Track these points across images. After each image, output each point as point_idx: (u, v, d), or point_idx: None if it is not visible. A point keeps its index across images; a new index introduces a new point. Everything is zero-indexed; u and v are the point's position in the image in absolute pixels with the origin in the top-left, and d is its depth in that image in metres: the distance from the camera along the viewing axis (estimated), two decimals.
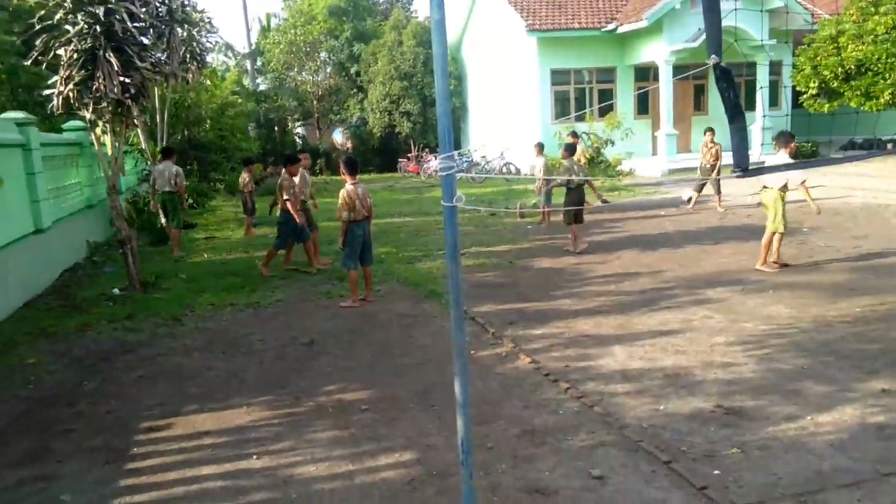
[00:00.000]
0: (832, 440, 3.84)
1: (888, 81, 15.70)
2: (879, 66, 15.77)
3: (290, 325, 6.87)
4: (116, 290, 8.41)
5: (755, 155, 21.18)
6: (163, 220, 12.59)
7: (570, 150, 10.39)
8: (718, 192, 13.01)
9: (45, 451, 4.29)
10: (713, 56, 2.82)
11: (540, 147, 13.56)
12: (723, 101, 2.94)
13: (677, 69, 21.06)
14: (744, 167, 2.94)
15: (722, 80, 2.88)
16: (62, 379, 5.61)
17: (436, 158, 24.57)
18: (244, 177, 13.35)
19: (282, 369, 5.62)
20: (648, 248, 9.82)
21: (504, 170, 21.49)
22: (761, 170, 7.02)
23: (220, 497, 3.64)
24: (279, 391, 5.14)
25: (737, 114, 2.93)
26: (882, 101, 16.01)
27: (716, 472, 3.57)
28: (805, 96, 18.54)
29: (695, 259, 8.85)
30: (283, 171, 9.40)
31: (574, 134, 14.19)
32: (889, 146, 21.78)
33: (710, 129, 13.16)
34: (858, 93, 16.49)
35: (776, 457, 3.70)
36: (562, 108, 22.59)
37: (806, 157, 20.52)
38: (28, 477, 3.95)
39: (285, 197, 9.01)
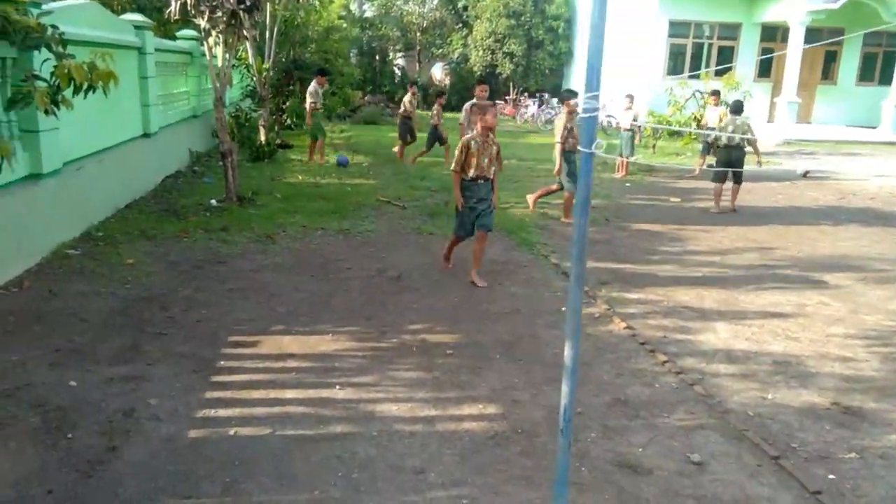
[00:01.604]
0: None
1: None
2: None
3: (378, 257, 6.80)
4: (214, 202, 8.56)
5: (885, 134, 19.52)
6: (262, 138, 12.77)
7: (737, 108, 9.88)
8: None
9: (137, 352, 4.38)
10: None
11: (630, 99, 12.86)
12: None
13: (810, 32, 19.42)
14: None
15: None
16: (158, 282, 5.74)
17: (534, 104, 23.98)
18: (409, 99, 13.41)
19: (368, 300, 5.55)
20: (758, 221, 9.18)
21: (605, 123, 20.61)
22: None
23: (302, 423, 3.61)
24: (364, 322, 5.07)
25: None
26: None
27: (831, 476, 3.25)
28: None
29: (810, 239, 8.19)
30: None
31: (716, 93, 13.23)
32: None
33: None
34: None
35: None
36: (675, 63, 21.32)
37: None
38: (118, 376, 4.03)
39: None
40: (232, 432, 3.50)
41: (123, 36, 8.45)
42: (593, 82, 2.53)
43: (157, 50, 9.66)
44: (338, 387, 4.04)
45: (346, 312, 5.27)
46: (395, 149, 13.78)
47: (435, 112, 12.97)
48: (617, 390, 4.08)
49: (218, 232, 7.34)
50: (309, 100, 12.40)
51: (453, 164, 5.94)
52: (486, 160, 5.87)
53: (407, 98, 13.54)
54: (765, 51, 21.36)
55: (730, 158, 9.65)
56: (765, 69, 21.36)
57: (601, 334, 4.97)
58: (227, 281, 5.86)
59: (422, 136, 13.58)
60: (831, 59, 21.66)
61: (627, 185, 11.57)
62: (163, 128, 9.90)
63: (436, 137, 12.94)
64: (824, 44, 19.28)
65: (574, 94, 8.52)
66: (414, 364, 4.40)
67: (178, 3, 7.80)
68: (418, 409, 3.82)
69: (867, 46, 21.42)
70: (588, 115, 2.53)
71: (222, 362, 4.32)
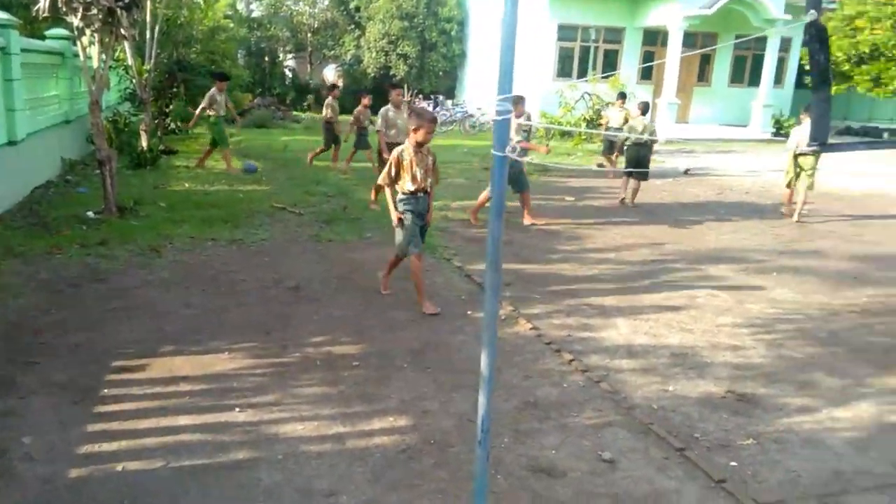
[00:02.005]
0: (850, 438, 3.64)
1: None
2: (895, 52, 15.42)
3: (274, 267, 6.52)
4: (91, 213, 7.95)
5: (754, 132, 20.95)
6: (143, 144, 12.04)
7: (645, 109, 10.55)
8: None
9: (6, 385, 3.95)
10: (812, 12, 2.45)
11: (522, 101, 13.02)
12: (810, 65, 2.58)
13: (687, 36, 20.55)
14: (822, 141, 2.63)
15: (816, 39, 2.52)
16: (28, 304, 5.23)
17: (430, 105, 24.03)
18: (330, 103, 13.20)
19: (265, 313, 5.29)
20: (647, 217, 9.56)
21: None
22: (839, 146, 6.71)
23: (199, 452, 3.35)
24: (263, 337, 4.82)
25: (824, 81, 2.58)
26: (891, 88, 15.72)
27: (732, 463, 3.36)
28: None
29: (695, 233, 8.60)
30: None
31: (622, 96, 13.66)
32: (885, 135, 21.65)
33: None
34: (868, 78, 16.18)
35: (793, 452, 3.49)
36: (564, 65, 21.99)
37: None
38: None
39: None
40: (119, 468, 3.20)
41: None
42: (506, 84, 2.48)
43: (23, 50, 8.85)
44: (237, 409, 3.79)
45: (243, 328, 4.99)
46: (310, 154, 13.55)
47: (329, 107, 13.10)
48: (526, 393, 4.07)
49: (96, 246, 6.80)
50: (203, 104, 11.74)
51: (382, 177, 5.48)
52: (422, 171, 5.40)
53: (328, 101, 13.43)
54: (646, 54, 22.41)
55: (638, 156, 10.15)
56: (646, 72, 22.40)
57: (508, 336, 4.97)
58: (108, 300, 5.42)
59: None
60: (706, 62, 23.01)
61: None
62: (31, 134, 9.09)
63: (332, 135, 12.97)
64: (706, 50, 20.44)
65: (522, 99, 8.44)
66: (318, 379, 4.21)
67: None
68: (325, 426, 3.65)
69: (738, 50, 22.91)
70: (501, 117, 2.47)
71: (106, 390, 3.96)
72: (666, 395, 4.08)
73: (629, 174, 10.29)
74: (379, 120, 9.33)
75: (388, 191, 5.58)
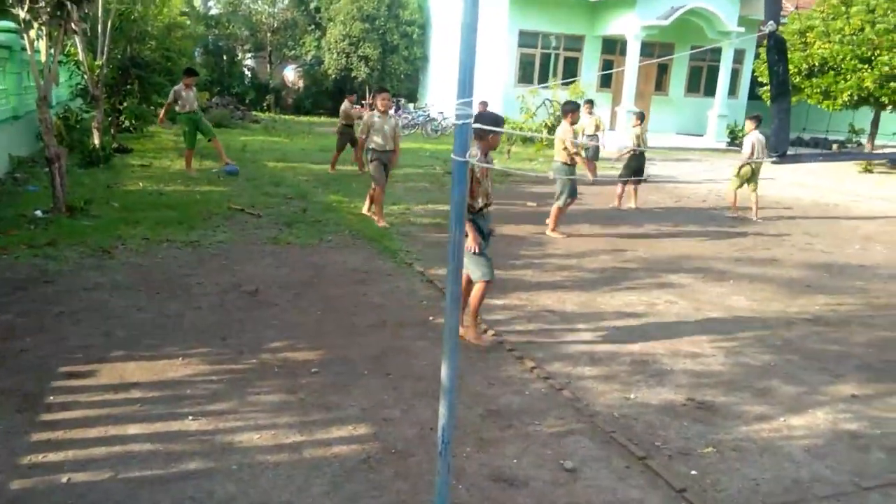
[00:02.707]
0: (807, 445, 3.70)
1: (848, 83, 15.89)
2: (843, 65, 15.93)
3: (232, 270, 6.37)
4: (39, 212, 7.66)
5: (710, 141, 21.40)
6: (96, 142, 11.69)
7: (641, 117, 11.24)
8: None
9: None
10: (770, 23, 2.47)
11: (484, 105, 13.28)
12: (769, 75, 2.61)
13: (645, 46, 20.93)
14: (781, 152, 2.65)
15: (775, 50, 2.54)
16: None
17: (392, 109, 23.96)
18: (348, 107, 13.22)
19: (222, 318, 5.15)
20: (608, 224, 9.65)
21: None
22: (798, 157, 6.88)
23: (149, 462, 3.22)
24: (219, 343, 4.69)
25: (783, 92, 2.60)
26: (840, 101, 16.23)
27: (693, 472, 3.37)
28: (766, 88, 18.64)
29: (655, 241, 8.71)
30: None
31: (590, 102, 13.87)
32: (835, 147, 22.35)
33: None
34: (818, 91, 16.67)
35: (752, 460, 3.52)
36: (525, 71, 22.15)
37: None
38: None
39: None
40: (65, 479, 3.06)
41: None
42: (466, 87, 2.44)
43: None
44: (190, 417, 3.66)
45: (198, 333, 4.84)
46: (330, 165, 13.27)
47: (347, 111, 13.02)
48: (489, 401, 4.03)
49: (44, 247, 6.54)
50: (168, 100, 11.43)
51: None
52: (490, 183, 4.93)
53: (346, 106, 13.39)
54: (605, 62, 22.73)
55: (640, 164, 11.13)
56: (606, 80, 22.72)
57: (469, 343, 4.92)
58: (56, 303, 5.21)
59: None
60: (663, 71, 23.45)
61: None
62: None
63: (348, 139, 12.83)
64: (663, 60, 20.82)
65: (576, 105, 8.49)
66: (276, 386, 4.10)
67: None
68: (283, 435, 3.55)
69: (693, 61, 23.41)
70: (462, 122, 2.42)
71: (52, 398, 3.79)
72: (628, 403, 4.08)
73: (625, 182, 10.93)
74: (362, 126, 8.82)
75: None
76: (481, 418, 3.82)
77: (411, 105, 25.37)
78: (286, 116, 26.57)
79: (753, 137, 10.10)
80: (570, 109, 8.35)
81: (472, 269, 4.87)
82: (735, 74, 23.06)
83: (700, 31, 20.90)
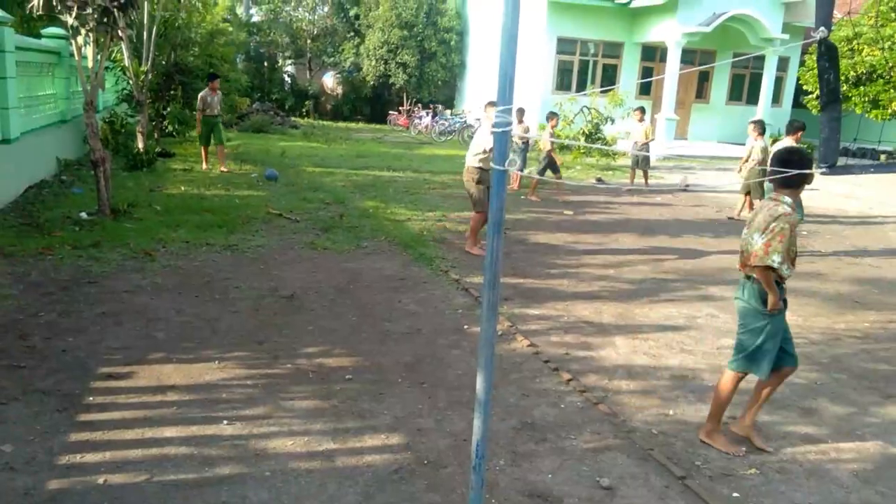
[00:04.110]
0: (856, 469, 3.55)
1: None
2: (892, 74, 15.46)
3: (269, 274, 6.41)
4: (84, 214, 7.83)
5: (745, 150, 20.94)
6: (140, 146, 11.94)
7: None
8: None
9: None
10: (822, 29, 2.39)
11: (521, 113, 12.84)
12: (819, 82, 2.52)
13: (686, 52, 20.60)
14: (831, 163, 2.55)
15: (825, 57, 2.46)
16: (16, 306, 5.11)
17: (428, 115, 24.04)
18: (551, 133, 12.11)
19: (259, 322, 5.18)
20: (646, 233, 9.48)
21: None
22: (849, 168, 6.71)
23: (184, 466, 3.24)
24: (255, 347, 4.72)
25: (833, 100, 2.52)
26: (889, 111, 15.74)
27: (735, 494, 3.26)
28: (811, 96, 18.22)
29: (694, 251, 8.52)
30: None
31: (641, 110, 13.64)
32: (883, 157, 21.71)
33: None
34: (866, 99, 16.21)
35: (798, 483, 3.40)
36: (563, 78, 22.00)
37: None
38: None
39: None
40: (101, 480, 3.09)
41: None
42: (506, 94, 2.39)
43: (18, 48, 8.76)
44: (225, 422, 3.68)
45: (235, 337, 4.88)
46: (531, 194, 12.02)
47: (548, 135, 11.97)
48: (524, 413, 3.97)
49: (88, 248, 6.69)
50: (198, 107, 12.02)
51: (773, 257, 3.50)
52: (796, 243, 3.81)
53: (548, 132, 12.18)
54: (645, 69, 22.44)
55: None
56: (645, 87, 22.43)
57: (505, 353, 4.87)
58: (99, 304, 5.30)
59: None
60: (704, 79, 23.06)
61: (521, 198, 11.68)
62: (25, 133, 8.98)
63: (550, 164, 11.83)
64: (707, 67, 20.46)
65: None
66: (310, 392, 4.10)
67: None
68: (315, 442, 3.54)
69: (735, 68, 22.97)
70: (501, 129, 2.38)
71: (91, 398, 3.85)
72: (666, 420, 3.98)
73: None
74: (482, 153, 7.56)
75: (769, 276, 3.62)
76: (515, 431, 3.76)
77: (448, 112, 25.40)
78: (324, 122, 26.82)
79: (761, 143, 10.06)
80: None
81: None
82: (779, 82, 22.54)
83: (742, 38, 20.50)
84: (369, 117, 29.37)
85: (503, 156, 2.40)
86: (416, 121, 24.49)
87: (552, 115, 12.24)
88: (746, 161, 10.20)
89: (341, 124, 27.36)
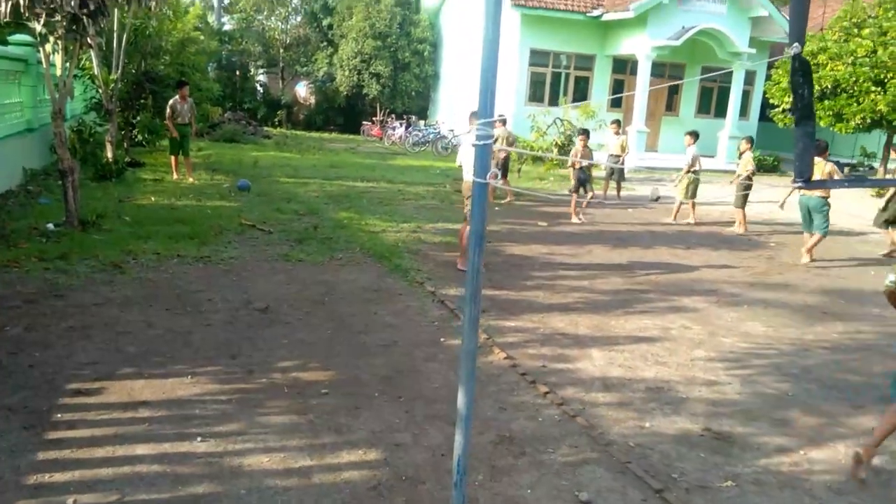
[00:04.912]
0: (829, 481, 3.60)
1: (861, 105, 15.81)
2: (855, 88, 15.85)
3: (242, 287, 6.33)
4: (51, 226, 7.66)
5: (721, 163, 21.35)
6: (109, 156, 11.74)
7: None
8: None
9: None
10: (796, 45, 2.42)
11: (503, 122, 13.04)
12: (794, 98, 2.54)
13: (656, 66, 20.94)
14: (806, 177, 2.58)
15: (800, 72, 2.49)
16: None
17: (402, 125, 24.03)
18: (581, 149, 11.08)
19: (232, 336, 5.11)
20: (619, 245, 9.57)
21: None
22: (823, 182, 7.03)
23: (156, 484, 3.17)
24: (229, 361, 4.65)
25: (807, 115, 2.54)
26: (852, 124, 16.14)
27: None
28: (777, 110, 18.59)
29: (667, 263, 8.62)
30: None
31: (617, 122, 13.92)
32: (846, 170, 22.23)
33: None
34: (830, 113, 16.59)
35: (772, 494, 3.44)
36: (535, 90, 22.19)
37: (768, 170, 20.79)
38: None
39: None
40: (70, 501, 3.01)
41: None
42: (487, 109, 2.40)
43: None
44: (199, 438, 3.61)
45: (208, 351, 4.80)
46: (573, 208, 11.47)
47: (579, 152, 11.11)
48: (502, 426, 3.96)
49: (55, 260, 6.54)
50: (167, 113, 12.07)
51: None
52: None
53: (579, 147, 11.24)
54: (616, 81, 22.75)
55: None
56: (616, 100, 22.72)
57: (482, 366, 4.85)
58: (66, 317, 5.18)
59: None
60: (674, 92, 23.43)
61: (496, 209, 11.72)
62: None
63: (584, 180, 11.34)
64: (684, 80, 20.81)
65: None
66: (285, 407, 4.05)
67: (9, 3, 6.94)
68: (292, 459, 3.49)
69: (704, 82, 23.39)
70: (482, 142, 2.39)
71: (59, 415, 3.75)
72: (643, 432, 4.00)
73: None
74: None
75: None
76: (493, 445, 3.75)
77: (422, 122, 25.44)
78: (297, 132, 26.67)
79: (694, 150, 11.63)
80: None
81: None
82: (746, 96, 23.01)
83: (711, 52, 20.90)
84: (342, 127, 29.29)
85: (485, 168, 2.41)
86: (390, 131, 24.48)
87: (583, 133, 11.45)
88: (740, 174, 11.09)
89: (314, 134, 27.24)
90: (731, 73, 21.46)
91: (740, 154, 11.94)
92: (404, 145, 22.56)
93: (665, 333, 5.85)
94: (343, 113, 29.80)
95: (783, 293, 7.48)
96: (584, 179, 11.38)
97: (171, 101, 12.03)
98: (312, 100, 31.15)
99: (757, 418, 4.29)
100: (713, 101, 23.90)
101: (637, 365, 5.07)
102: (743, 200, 11.15)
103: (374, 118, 27.28)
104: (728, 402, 4.50)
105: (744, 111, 23.23)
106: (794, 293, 7.52)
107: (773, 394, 4.68)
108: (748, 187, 11.16)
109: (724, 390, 4.70)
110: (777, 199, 11.12)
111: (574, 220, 11.14)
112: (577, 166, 11.19)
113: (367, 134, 26.70)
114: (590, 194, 11.51)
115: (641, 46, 20.17)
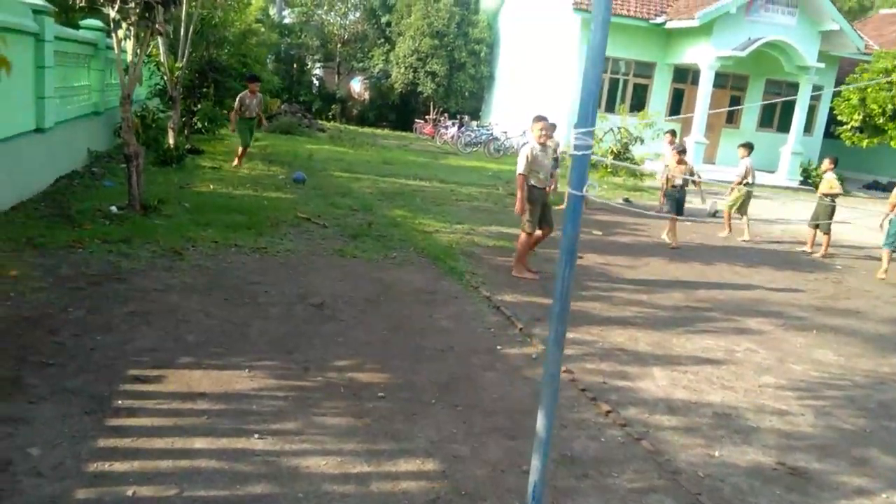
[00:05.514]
0: None
1: None
2: None
3: (298, 280, 6.31)
4: (115, 208, 7.78)
5: (781, 179, 20.69)
6: (170, 142, 11.93)
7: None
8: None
9: (17, 387, 3.74)
10: None
11: (553, 128, 12.63)
12: None
13: (718, 76, 20.41)
14: None
15: None
16: (46, 300, 5.03)
17: (454, 125, 23.95)
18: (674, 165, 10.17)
19: (289, 330, 5.07)
20: (677, 258, 9.31)
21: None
22: None
23: (214, 482, 3.12)
24: (285, 356, 4.60)
25: None
26: None
27: None
28: (845, 127, 17.96)
29: (728, 280, 8.34)
30: None
31: (673, 133, 13.25)
32: None
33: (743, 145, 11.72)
34: None
35: None
36: None
37: None
38: None
39: None
40: (130, 492, 2.98)
41: (19, 20, 7.59)
42: (588, 116, 2.27)
43: (57, 38, 8.77)
44: (256, 435, 3.56)
45: (265, 344, 4.77)
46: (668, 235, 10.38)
47: (676, 169, 10.24)
48: (563, 444, 3.82)
49: (118, 243, 6.62)
50: (235, 106, 12.31)
51: None
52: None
53: (674, 164, 10.45)
54: (676, 91, 22.27)
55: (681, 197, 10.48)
56: (675, 109, 22.24)
57: (540, 378, 4.71)
58: (128, 302, 5.22)
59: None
60: (736, 103, 22.82)
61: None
62: (59, 123, 8.98)
63: (681, 200, 10.37)
64: (778, 99, 20.24)
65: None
66: (342, 408, 3.98)
67: None
68: (349, 464, 3.41)
69: (768, 94, 22.73)
70: (581, 152, 2.26)
71: (120, 401, 3.75)
72: (712, 462, 3.81)
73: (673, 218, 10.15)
74: (523, 162, 7.17)
75: None
76: (555, 464, 3.61)
77: (475, 123, 25.33)
78: (350, 127, 26.88)
79: (748, 162, 11.30)
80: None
81: None
82: (811, 111, 22.30)
83: (777, 65, 20.29)
84: (395, 124, 29.41)
85: (582, 179, 2.28)
86: (442, 130, 24.44)
87: (681, 149, 10.80)
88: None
89: (367, 129, 27.42)
90: (796, 86, 20.83)
91: (822, 173, 11.47)
92: (456, 145, 22.49)
93: (730, 356, 5.61)
94: (396, 110, 29.92)
95: (853, 320, 7.14)
96: (681, 200, 10.28)
97: (240, 95, 12.21)
98: (367, 95, 31.34)
99: (834, 455, 4.05)
100: (776, 115, 23.23)
101: (702, 388, 4.86)
102: (827, 222, 10.53)
103: (426, 116, 27.30)
104: (802, 435, 4.26)
105: (808, 127, 22.50)
106: (865, 321, 7.17)
107: (849, 429, 4.43)
108: (832, 209, 10.69)
109: (796, 421, 4.47)
110: (851, 219, 10.76)
111: (666, 240, 10.15)
112: (671, 185, 10.28)
113: (419, 132, 26.73)
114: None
115: (705, 56, 19.69)
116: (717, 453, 3.92)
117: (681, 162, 10.43)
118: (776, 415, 4.53)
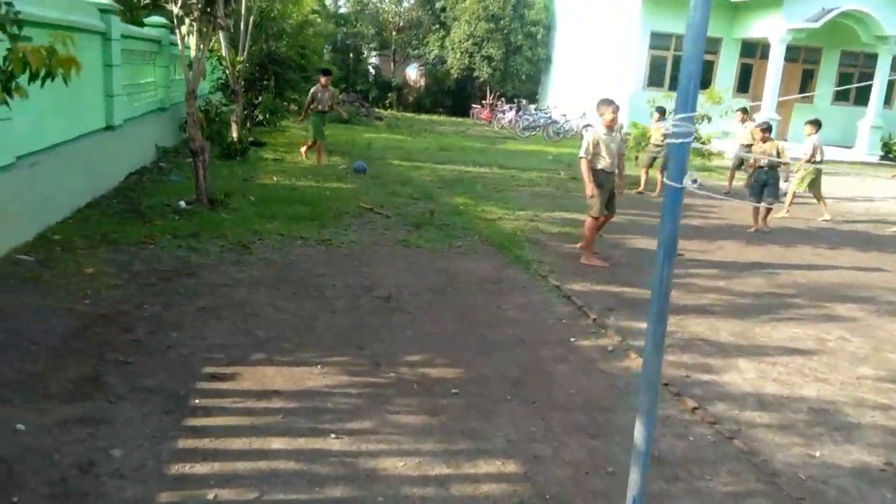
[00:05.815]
0: None
1: None
2: None
3: (363, 272, 6.25)
4: (183, 203, 7.90)
5: (860, 154, 19.62)
6: (234, 135, 12.08)
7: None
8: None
9: (97, 386, 3.77)
10: None
11: (744, 111, 12.52)
12: None
13: (790, 49, 19.47)
14: None
15: None
16: (121, 297, 5.10)
17: (512, 109, 23.60)
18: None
19: (357, 324, 5.01)
20: (752, 241, 8.89)
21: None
22: None
23: (294, 484, 3.06)
24: (355, 351, 4.53)
25: None
26: None
27: None
28: None
29: (810, 263, 7.90)
30: None
31: (744, 110, 13.12)
32: None
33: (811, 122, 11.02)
34: None
35: None
36: (656, 74, 21.18)
37: None
38: (74, 417, 3.42)
39: None
40: (211, 496, 2.94)
41: (87, 19, 7.74)
42: (688, 101, 2.07)
43: (123, 36, 8.94)
44: (332, 435, 3.49)
45: (334, 338, 4.72)
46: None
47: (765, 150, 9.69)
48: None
49: (187, 238, 6.70)
50: (307, 99, 12.32)
51: None
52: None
53: (761, 143, 10.07)
54: (743, 66, 21.37)
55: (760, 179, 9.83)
56: (743, 85, 21.36)
57: (618, 371, 4.53)
58: (199, 297, 5.25)
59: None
60: (808, 77, 21.77)
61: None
62: (127, 120, 9.18)
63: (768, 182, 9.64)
64: (858, 86, 19.27)
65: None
66: (416, 406, 3.88)
67: None
68: (427, 465, 3.30)
69: (843, 66, 21.60)
70: (680, 140, 2.06)
71: (197, 400, 3.73)
72: (813, 462, 3.56)
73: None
74: (585, 146, 7.11)
75: None
76: None
77: (532, 107, 24.93)
78: (407, 114, 26.84)
79: (815, 139, 10.76)
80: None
81: None
82: (891, 83, 21.04)
83: (853, 35, 19.20)
84: (451, 110, 29.24)
85: (682, 170, 2.08)
86: (500, 115, 24.14)
87: (765, 127, 10.21)
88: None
89: (423, 116, 27.35)
90: (875, 57, 19.69)
91: None
92: (514, 129, 22.18)
93: (821, 345, 5.28)
94: (452, 95, 29.73)
95: None
96: (768, 181, 9.55)
97: (313, 89, 12.20)
98: (422, 82, 31.24)
99: None
100: (853, 89, 22.01)
101: (794, 381, 4.57)
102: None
103: (483, 101, 27.02)
104: None
105: (888, 99, 21.28)
106: None
107: None
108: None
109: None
110: None
111: (755, 229, 9.51)
112: (758, 166, 9.77)
113: (475, 117, 26.49)
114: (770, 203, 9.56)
115: (775, 29, 18.79)
116: (817, 453, 3.65)
117: (765, 140, 9.94)
118: (878, 409, 4.22)
